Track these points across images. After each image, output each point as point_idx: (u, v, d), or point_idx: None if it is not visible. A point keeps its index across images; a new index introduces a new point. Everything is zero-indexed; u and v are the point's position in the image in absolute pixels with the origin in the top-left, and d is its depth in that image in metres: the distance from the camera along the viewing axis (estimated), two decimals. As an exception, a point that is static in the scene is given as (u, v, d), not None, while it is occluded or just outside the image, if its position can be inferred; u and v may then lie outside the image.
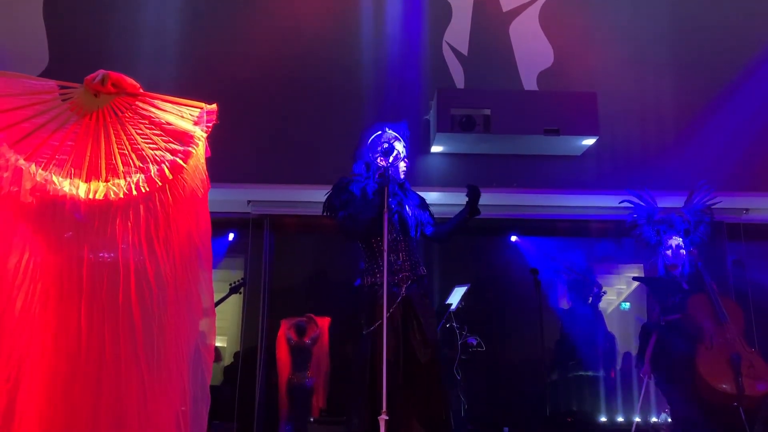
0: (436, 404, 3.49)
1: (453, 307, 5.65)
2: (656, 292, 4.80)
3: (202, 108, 2.61)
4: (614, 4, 6.09)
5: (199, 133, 2.55)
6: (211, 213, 2.64)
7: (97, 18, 5.70)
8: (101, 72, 2.54)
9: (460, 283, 5.79)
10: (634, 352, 5.49)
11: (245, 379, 5.87)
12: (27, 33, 5.60)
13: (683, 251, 4.65)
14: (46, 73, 5.17)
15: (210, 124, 2.59)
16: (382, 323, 3.36)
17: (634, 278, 5.98)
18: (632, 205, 4.87)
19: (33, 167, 2.40)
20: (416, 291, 3.60)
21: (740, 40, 5.91)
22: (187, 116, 2.57)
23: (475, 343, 5.69)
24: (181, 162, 2.48)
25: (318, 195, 5.81)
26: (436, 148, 5.67)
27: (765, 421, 4.20)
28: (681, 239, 4.68)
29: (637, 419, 5.15)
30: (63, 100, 2.53)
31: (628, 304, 6.98)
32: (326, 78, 5.76)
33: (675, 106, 5.79)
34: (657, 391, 5.21)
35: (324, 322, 5.99)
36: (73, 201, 2.38)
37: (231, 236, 6.15)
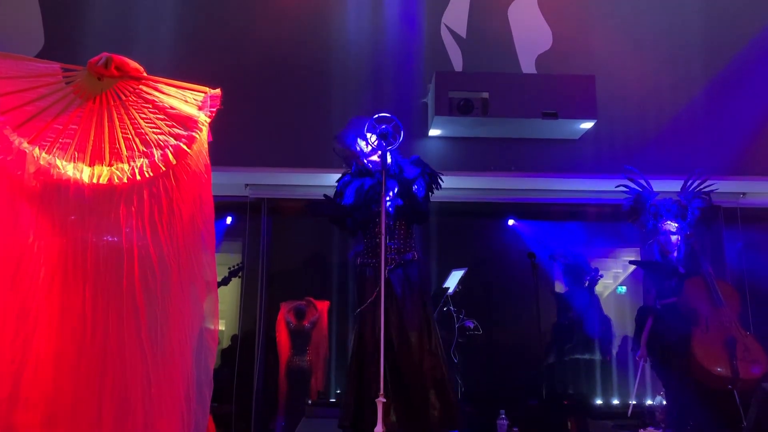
0: (409, 390, 3.46)
1: (450, 290, 5.67)
2: (652, 276, 4.84)
3: (206, 92, 2.60)
4: (612, -14, 6.07)
5: (203, 118, 2.54)
6: (208, 196, 2.64)
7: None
8: (105, 55, 2.51)
9: (458, 267, 5.81)
10: (630, 335, 5.53)
11: (243, 362, 5.89)
12: (22, 14, 5.53)
13: (679, 236, 4.67)
14: (42, 55, 5.11)
15: (214, 109, 2.57)
16: (367, 304, 3.52)
17: (631, 262, 6.02)
18: (628, 190, 4.89)
19: (37, 150, 2.40)
20: (399, 275, 3.60)
21: (739, 26, 5.90)
22: (191, 101, 2.56)
23: (472, 326, 5.72)
24: (185, 147, 2.47)
25: (315, 178, 5.85)
26: (433, 132, 5.66)
27: (759, 404, 4.25)
28: (677, 224, 4.70)
29: (633, 402, 5.20)
30: (66, 83, 2.51)
31: (624, 287, 7.02)
32: (324, 61, 5.72)
33: (673, 90, 5.79)
34: (653, 374, 5.26)
35: (323, 306, 6.01)
36: (77, 185, 2.37)
37: (228, 220, 6.15)
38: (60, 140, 2.44)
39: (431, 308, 3.71)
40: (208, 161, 2.60)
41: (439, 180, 3.82)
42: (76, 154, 2.44)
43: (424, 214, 3.79)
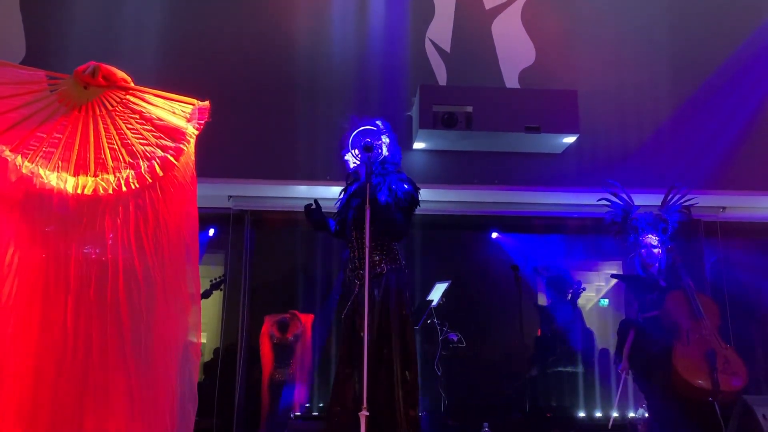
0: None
1: (434, 303, 5.68)
2: (634, 289, 4.88)
3: (194, 104, 2.56)
4: (595, 3, 6.15)
5: (191, 130, 2.49)
6: (191, 208, 2.61)
7: (76, 8, 5.59)
8: (92, 64, 2.48)
9: (441, 280, 5.82)
10: (612, 348, 5.57)
11: (225, 375, 5.83)
12: (3, 23, 5.48)
13: (660, 249, 4.72)
14: (23, 64, 5.05)
15: (202, 122, 2.54)
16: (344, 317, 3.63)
17: (613, 275, 6.07)
18: (610, 203, 4.93)
19: (19, 159, 2.33)
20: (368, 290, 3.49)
21: (718, 41, 6.01)
22: (179, 112, 2.52)
23: (455, 339, 5.73)
24: (172, 159, 2.43)
25: (299, 190, 5.84)
26: (418, 145, 5.68)
27: (739, 416, 4.29)
28: (658, 237, 4.75)
29: (615, 414, 5.22)
30: (51, 91, 2.46)
31: (606, 300, 7.07)
32: (308, 73, 5.73)
33: (654, 106, 5.87)
34: (635, 387, 5.29)
35: (307, 319, 5.97)
36: (61, 195, 2.32)
37: (211, 232, 6.10)
38: (44, 149, 2.39)
39: (398, 326, 3.53)
40: (195, 173, 2.57)
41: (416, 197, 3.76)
42: (60, 163, 2.38)
43: (398, 234, 3.69)
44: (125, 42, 5.43)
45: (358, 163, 3.76)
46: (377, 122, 3.86)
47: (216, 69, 5.55)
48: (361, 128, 3.81)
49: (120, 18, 5.59)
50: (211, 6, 5.81)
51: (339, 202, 3.87)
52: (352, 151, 3.78)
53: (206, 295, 5.78)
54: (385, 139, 3.81)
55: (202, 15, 5.78)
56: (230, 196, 5.97)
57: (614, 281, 6.60)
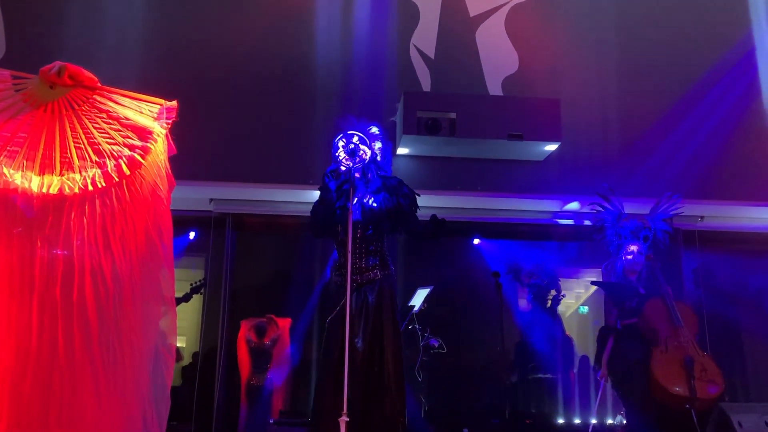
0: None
1: (416, 308, 5.67)
2: (614, 296, 4.89)
3: (161, 104, 2.55)
4: (578, 13, 6.19)
5: (158, 129, 2.49)
6: (172, 210, 2.59)
7: (58, 7, 5.56)
8: (58, 63, 2.46)
9: (423, 285, 5.82)
10: (591, 355, 5.58)
11: (204, 380, 5.79)
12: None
13: (642, 257, 4.74)
14: (3, 63, 5.01)
15: (170, 121, 2.53)
16: (328, 321, 3.57)
17: (593, 282, 6.08)
18: (602, 209, 4.95)
19: (-18, 158, 2.32)
20: (357, 297, 3.49)
21: (698, 54, 6.07)
22: (147, 112, 2.51)
23: (437, 344, 5.73)
24: (139, 158, 2.42)
25: (281, 194, 5.82)
26: (401, 150, 5.69)
27: (715, 423, 4.31)
28: (641, 245, 4.78)
29: (594, 421, 5.23)
30: (16, 91, 2.45)
31: (586, 307, 7.09)
32: (292, 77, 5.73)
33: (635, 115, 5.92)
34: (613, 394, 5.30)
35: (285, 323, 5.95)
36: (25, 194, 2.30)
37: (192, 235, 6.07)
38: (8, 148, 2.36)
39: (391, 332, 3.51)
40: (164, 173, 2.54)
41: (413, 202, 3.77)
42: (24, 162, 2.35)
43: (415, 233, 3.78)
44: (107, 43, 5.41)
45: (344, 168, 3.73)
46: (373, 127, 3.85)
47: (198, 71, 5.53)
48: (355, 131, 3.80)
49: (102, 19, 5.56)
50: (194, 9, 5.79)
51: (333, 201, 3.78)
52: (339, 148, 3.77)
53: (186, 298, 5.74)
54: (378, 144, 3.81)
55: (184, 18, 5.76)
56: (211, 199, 5.95)
57: (594, 288, 6.63)
